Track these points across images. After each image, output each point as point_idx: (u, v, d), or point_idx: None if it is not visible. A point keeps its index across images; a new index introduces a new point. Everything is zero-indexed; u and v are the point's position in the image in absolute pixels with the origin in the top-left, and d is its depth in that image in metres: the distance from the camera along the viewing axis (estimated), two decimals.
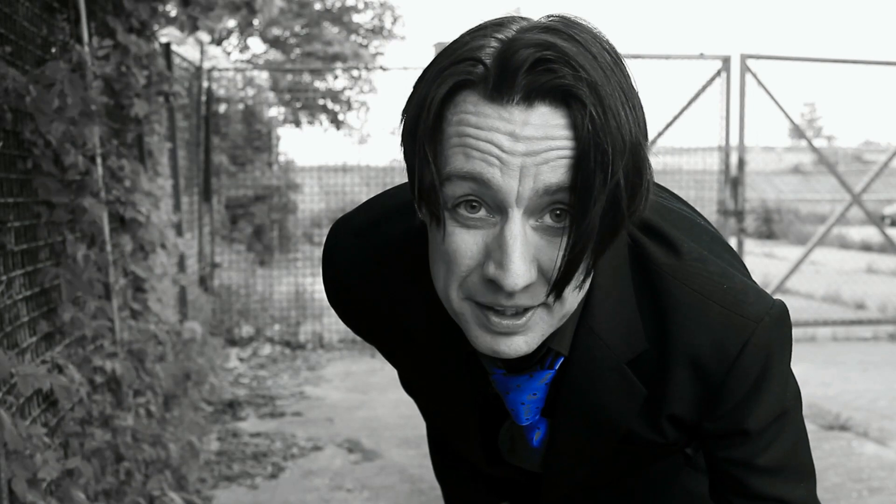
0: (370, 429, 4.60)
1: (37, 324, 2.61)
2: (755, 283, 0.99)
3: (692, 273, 0.95)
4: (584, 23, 0.82)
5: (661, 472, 1.19)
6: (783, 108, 7.26)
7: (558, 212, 0.80)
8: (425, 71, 0.84)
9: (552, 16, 0.82)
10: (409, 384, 1.21)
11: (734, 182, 7.15)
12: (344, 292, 1.09)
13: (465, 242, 0.82)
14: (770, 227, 18.40)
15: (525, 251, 0.80)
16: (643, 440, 1.01)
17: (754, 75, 7.16)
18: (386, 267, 1.03)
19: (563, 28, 0.79)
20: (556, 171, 0.78)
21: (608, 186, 0.77)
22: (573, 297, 0.86)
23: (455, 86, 0.80)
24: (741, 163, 7.17)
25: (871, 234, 12.96)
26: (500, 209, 0.80)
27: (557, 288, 0.82)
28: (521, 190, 0.78)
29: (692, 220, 1.05)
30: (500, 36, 0.80)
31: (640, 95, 0.83)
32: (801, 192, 22.29)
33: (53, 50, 2.86)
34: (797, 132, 8.99)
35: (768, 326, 0.94)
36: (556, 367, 0.97)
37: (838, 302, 8.90)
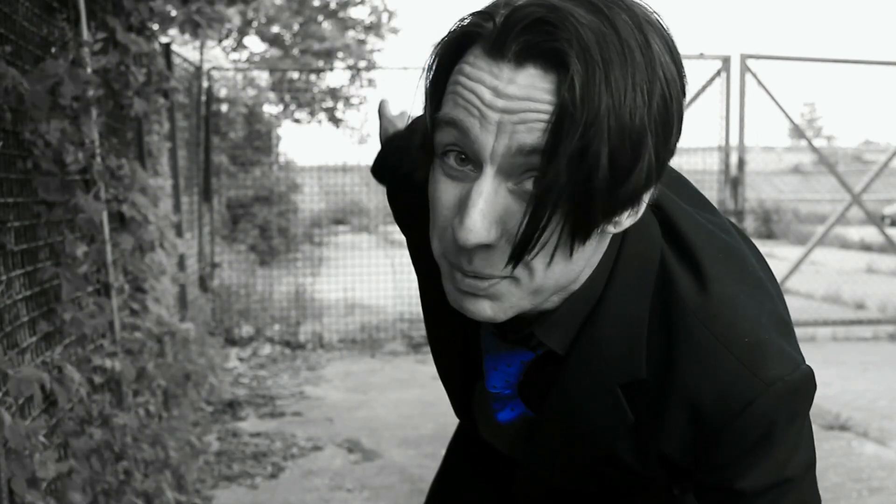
0: (370, 429, 4.60)
1: (37, 324, 2.61)
2: (791, 340, 0.91)
3: (715, 315, 0.89)
4: (635, 1, 0.79)
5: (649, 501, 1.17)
6: (783, 108, 7.26)
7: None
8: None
9: None
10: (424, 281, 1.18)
11: (734, 182, 7.15)
12: (395, 186, 1.20)
13: (446, 192, 0.82)
14: (770, 227, 18.38)
15: (487, 209, 0.78)
16: (625, 466, 0.97)
17: (754, 75, 7.16)
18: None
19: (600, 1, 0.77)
20: (532, 133, 0.76)
21: (584, 159, 0.75)
22: (544, 271, 0.82)
23: (464, 38, 0.82)
24: (741, 163, 7.17)
25: (871, 234, 12.98)
26: (478, 164, 0.80)
27: (516, 253, 0.79)
28: (496, 146, 0.78)
29: (740, 256, 0.97)
30: None
31: (684, 91, 0.81)
32: (801, 192, 22.27)
33: (53, 50, 2.86)
34: (797, 132, 8.99)
35: (778, 393, 0.87)
36: (538, 353, 0.96)
37: (838, 302, 8.90)
